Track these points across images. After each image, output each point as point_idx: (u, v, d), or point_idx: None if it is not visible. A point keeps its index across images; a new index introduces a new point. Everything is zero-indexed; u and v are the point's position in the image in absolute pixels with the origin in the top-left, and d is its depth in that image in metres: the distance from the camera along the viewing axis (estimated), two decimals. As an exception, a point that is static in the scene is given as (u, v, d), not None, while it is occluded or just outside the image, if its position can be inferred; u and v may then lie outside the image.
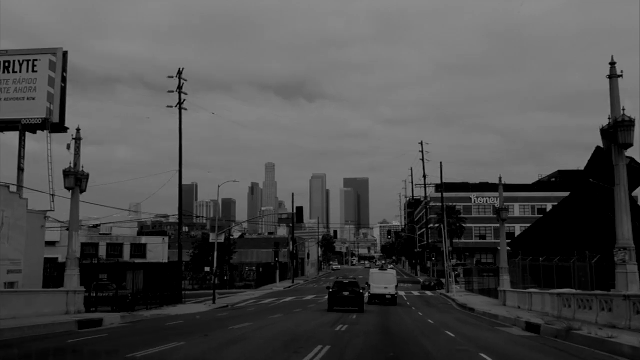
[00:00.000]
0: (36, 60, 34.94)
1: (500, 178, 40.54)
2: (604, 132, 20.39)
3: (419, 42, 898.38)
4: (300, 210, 44.21)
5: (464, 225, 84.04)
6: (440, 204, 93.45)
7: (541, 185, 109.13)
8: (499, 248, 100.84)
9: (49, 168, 32.47)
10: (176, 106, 48.32)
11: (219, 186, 45.21)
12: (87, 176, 27.06)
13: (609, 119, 20.25)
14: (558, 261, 30.72)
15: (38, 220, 32.88)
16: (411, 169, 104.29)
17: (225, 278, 68.48)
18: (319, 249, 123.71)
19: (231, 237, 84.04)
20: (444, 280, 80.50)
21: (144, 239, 63.43)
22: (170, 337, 17.21)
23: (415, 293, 57.65)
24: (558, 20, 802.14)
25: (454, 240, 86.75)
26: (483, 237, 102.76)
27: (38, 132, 35.11)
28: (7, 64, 34.78)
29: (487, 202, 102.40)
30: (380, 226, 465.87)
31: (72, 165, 26.66)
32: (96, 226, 52.09)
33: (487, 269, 61.56)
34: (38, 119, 33.70)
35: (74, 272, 27.14)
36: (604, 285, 23.30)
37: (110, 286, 37.50)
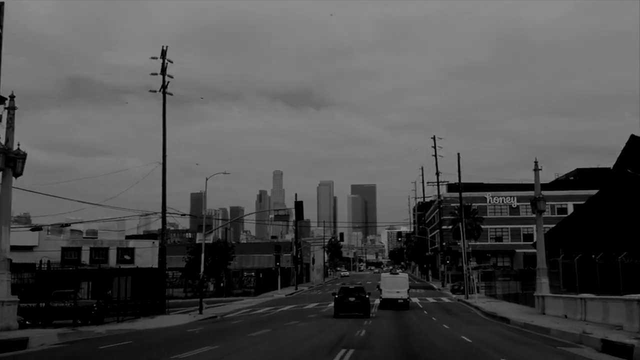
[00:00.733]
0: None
1: (536, 162, 34.73)
2: None
3: (426, 49, 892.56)
4: (300, 205, 38.37)
5: (481, 225, 77.76)
6: (454, 205, 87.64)
7: (560, 184, 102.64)
8: (518, 250, 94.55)
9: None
10: (160, 90, 42.70)
11: (206, 179, 39.50)
12: (23, 156, 21.32)
13: None
14: (624, 258, 24.58)
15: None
16: (422, 168, 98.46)
17: (222, 285, 62.67)
18: (325, 253, 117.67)
19: (232, 242, 78.27)
20: (449, 285, 74.42)
21: (131, 243, 57.81)
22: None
23: (430, 299, 51.61)
24: (564, 25, 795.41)
25: (470, 243, 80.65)
26: (499, 239, 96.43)
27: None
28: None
29: (503, 201, 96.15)
30: (388, 231, 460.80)
31: (3, 142, 20.90)
32: (64, 225, 46.42)
33: (506, 273, 55.60)
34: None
35: (3, 278, 21.31)
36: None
37: (71, 295, 31.78)
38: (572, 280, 32.20)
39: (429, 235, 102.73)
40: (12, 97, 21.74)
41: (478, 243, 78.64)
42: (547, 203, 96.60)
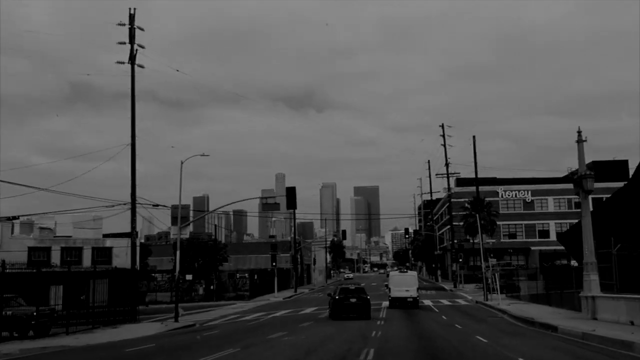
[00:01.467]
0: None
1: (579, 132, 28.64)
2: None
3: (427, 50, 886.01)
4: (291, 192, 32.26)
5: (495, 220, 71.51)
6: (464, 200, 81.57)
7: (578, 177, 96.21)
8: (533, 248, 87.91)
9: None
10: (128, 62, 36.75)
11: (181, 162, 33.52)
12: None
13: None
14: None
15: None
16: (428, 162, 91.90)
17: (212, 287, 56.66)
18: (327, 254, 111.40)
19: (222, 240, 72.18)
20: (461, 286, 68.36)
21: (108, 242, 51.72)
22: None
23: (445, 301, 45.55)
24: (564, 25, 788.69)
25: (475, 240, 74.55)
26: (512, 235, 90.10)
27: None
28: None
29: (516, 195, 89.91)
30: (392, 232, 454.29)
31: None
32: (11, 218, 40.44)
33: (532, 272, 49.56)
34: None
35: None
36: None
37: (14, 301, 25.94)
38: (627, 277, 26.23)
39: (437, 233, 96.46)
40: None
41: (490, 240, 72.31)
42: (564, 197, 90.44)
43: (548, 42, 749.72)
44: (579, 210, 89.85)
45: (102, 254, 51.04)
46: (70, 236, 52.73)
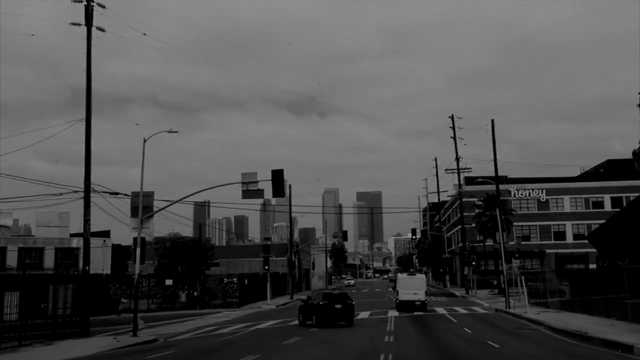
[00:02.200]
0: None
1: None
2: None
3: (431, 55, 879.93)
4: (278, 176, 26.06)
5: (511, 220, 65.07)
6: (475, 199, 75.27)
7: (590, 176, 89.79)
8: (548, 250, 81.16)
9: None
10: (85, 23, 30.66)
11: (144, 139, 27.45)
12: None
13: None
14: None
15: None
16: (435, 159, 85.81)
17: (195, 294, 50.38)
18: (327, 258, 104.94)
19: (210, 242, 66.06)
20: (474, 292, 62.04)
21: (75, 242, 45.56)
22: None
23: (460, 309, 39.33)
24: (569, 30, 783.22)
25: (486, 243, 68.30)
26: (526, 237, 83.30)
27: None
28: None
29: (530, 195, 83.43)
30: (395, 238, 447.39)
31: None
32: None
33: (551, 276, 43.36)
34: None
35: None
36: None
37: None
38: None
39: (446, 235, 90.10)
40: None
41: (511, 243, 65.75)
42: (580, 196, 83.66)
43: (554, 47, 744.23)
44: (598, 210, 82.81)
45: (68, 255, 45.01)
46: (32, 235, 46.71)
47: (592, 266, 55.13)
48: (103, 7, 31.26)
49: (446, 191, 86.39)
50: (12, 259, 42.02)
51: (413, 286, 39.36)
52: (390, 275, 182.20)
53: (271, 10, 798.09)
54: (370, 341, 20.70)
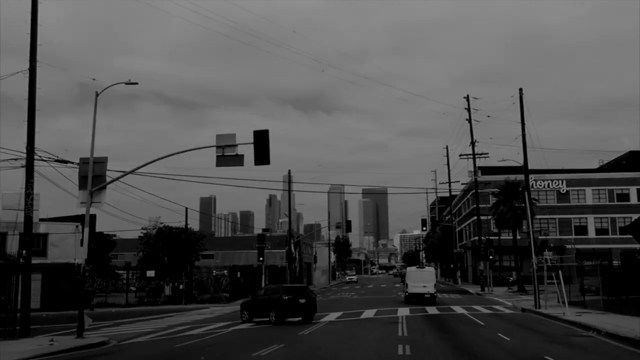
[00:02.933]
0: None
1: None
2: None
3: (438, 54, 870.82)
4: (262, 137, 20.53)
5: (534, 211, 59.00)
6: (490, 190, 69.58)
7: (612, 167, 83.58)
8: (568, 246, 75.05)
9: None
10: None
11: (96, 93, 21.99)
12: None
13: None
14: None
15: None
16: (446, 147, 79.81)
17: (180, 287, 44.96)
18: (331, 252, 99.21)
19: (202, 232, 60.50)
20: (489, 289, 56.41)
21: (43, 227, 40.16)
22: None
23: (481, 309, 33.79)
24: (578, 29, 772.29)
25: (501, 237, 62.63)
26: (544, 232, 77.42)
27: None
28: None
29: (549, 186, 77.45)
30: (401, 235, 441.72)
31: None
32: None
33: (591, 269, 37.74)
34: None
35: None
36: None
37: None
38: None
39: (457, 229, 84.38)
40: None
41: (543, 235, 59.88)
42: (604, 187, 77.41)
43: (563, 46, 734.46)
44: (622, 203, 76.26)
45: (35, 242, 39.50)
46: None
47: (615, 263, 49.90)
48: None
49: (458, 181, 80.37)
50: (-33, 244, 36.70)
51: (422, 279, 39.38)
52: (395, 271, 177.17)
53: (278, 8, 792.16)
54: (378, 353, 15.18)
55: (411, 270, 42.36)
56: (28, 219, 23.24)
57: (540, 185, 77.17)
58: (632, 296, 28.74)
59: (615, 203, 75.95)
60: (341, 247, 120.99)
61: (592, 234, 75.83)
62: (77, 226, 41.58)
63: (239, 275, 49.67)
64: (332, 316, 29.42)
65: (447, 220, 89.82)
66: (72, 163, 23.80)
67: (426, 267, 44.94)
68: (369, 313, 30.78)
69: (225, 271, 50.72)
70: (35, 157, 22.95)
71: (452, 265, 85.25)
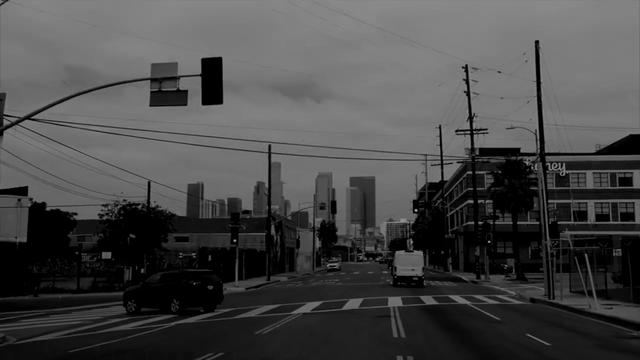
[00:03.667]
0: None
1: None
2: None
3: (430, 43, 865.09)
4: (213, 66, 15.35)
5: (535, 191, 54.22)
6: (487, 172, 64.88)
7: (613, 151, 78.95)
8: (566, 232, 70.61)
9: None
10: None
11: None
12: None
13: None
14: None
15: None
16: (439, 127, 74.71)
17: (142, 271, 39.65)
18: (316, 237, 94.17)
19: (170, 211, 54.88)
20: (485, 277, 51.75)
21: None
22: None
23: (484, 299, 28.93)
24: (571, 19, 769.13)
25: (505, 222, 57.98)
26: (554, 213, 72.53)
27: None
28: None
29: (548, 168, 72.46)
30: (388, 223, 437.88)
31: None
32: None
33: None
34: None
35: None
36: None
37: None
38: None
39: (448, 214, 79.56)
40: None
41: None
42: (605, 171, 72.58)
43: (557, 36, 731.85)
44: (624, 187, 71.36)
45: (-34, 216, 34.01)
46: None
47: (618, 251, 45.88)
48: None
49: (451, 163, 75.71)
50: None
51: (411, 262, 40.18)
52: (381, 258, 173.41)
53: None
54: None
55: (400, 253, 42.85)
56: None
57: (538, 168, 72.45)
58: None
59: (617, 187, 71.57)
60: (327, 232, 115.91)
61: (592, 219, 71.41)
62: (18, 199, 36.06)
63: (210, 258, 44.39)
64: (308, 307, 24.29)
65: (437, 206, 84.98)
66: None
67: (414, 252, 45.14)
68: (353, 303, 25.69)
69: (193, 254, 45.33)
70: None
71: (442, 252, 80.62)
